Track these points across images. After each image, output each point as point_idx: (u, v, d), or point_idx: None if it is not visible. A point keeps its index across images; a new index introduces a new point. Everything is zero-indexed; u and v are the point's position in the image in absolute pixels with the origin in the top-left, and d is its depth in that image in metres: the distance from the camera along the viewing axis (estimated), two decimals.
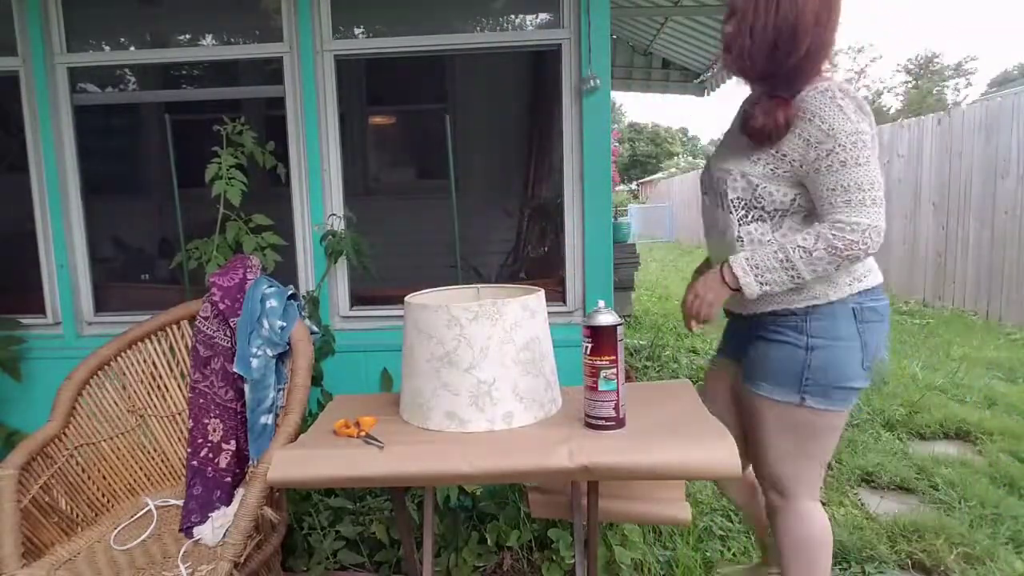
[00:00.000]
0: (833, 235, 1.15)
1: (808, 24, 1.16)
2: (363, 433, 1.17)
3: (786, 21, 1.16)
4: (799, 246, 1.17)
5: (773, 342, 1.27)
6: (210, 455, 1.63)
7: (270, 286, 1.66)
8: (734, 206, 1.27)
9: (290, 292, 1.68)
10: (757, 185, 1.23)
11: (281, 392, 1.59)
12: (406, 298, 1.27)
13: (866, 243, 1.15)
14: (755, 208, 1.25)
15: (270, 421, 1.55)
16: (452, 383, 1.14)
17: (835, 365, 1.22)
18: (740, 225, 1.27)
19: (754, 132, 1.21)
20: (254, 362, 1.56)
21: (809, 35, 1.16)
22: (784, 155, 1.20)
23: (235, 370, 1.56)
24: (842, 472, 2.48)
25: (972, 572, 1.83)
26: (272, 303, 1.62)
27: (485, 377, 1.13)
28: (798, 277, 1.19)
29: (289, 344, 1.60)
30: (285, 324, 1.61)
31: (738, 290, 1.22)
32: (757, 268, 1.19)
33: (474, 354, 1.13)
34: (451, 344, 1.13)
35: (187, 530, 1.52)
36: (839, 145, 1.15)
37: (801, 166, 1.19)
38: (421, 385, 1.18)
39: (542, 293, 1.24)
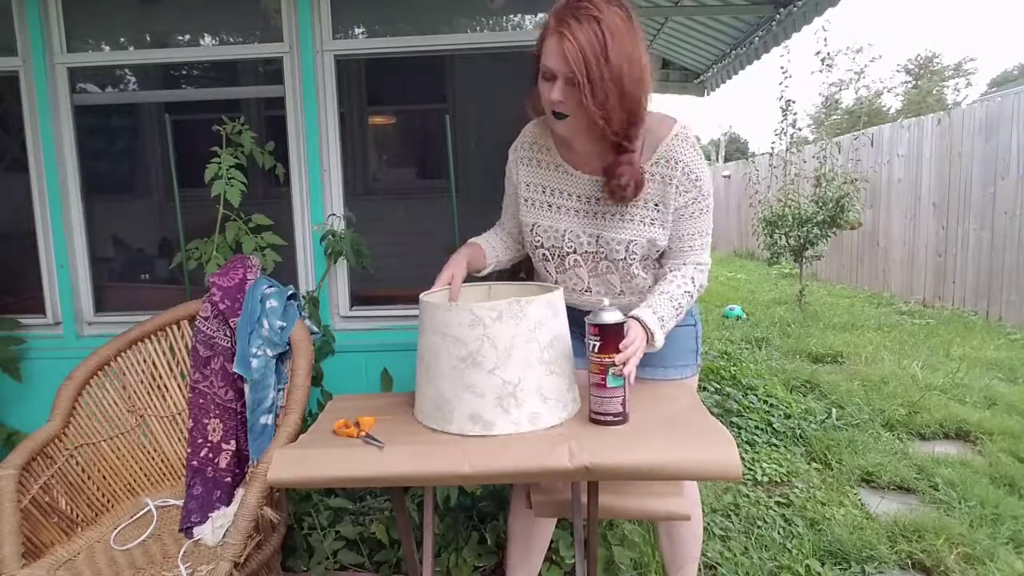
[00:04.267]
0: (700, 275, 1.31)
1: (635, 75, 1.13)
2: (363, 433, 1.17)
3: (621, 72, 1.11)
4: (686, 291, 1.28)
5: (680, 327, 1.35)
6: (210, 455, 1.63)
7: (270, 286, 1.66)
8: (641, 266, 1.32)
9: (290, 292, 1.68)
10: (661, 246, 1.30)
11: (281, 392, 1.59)
12: (421, 296, 1.24)
13: (707, 278, 1.34)
14: (651, 258, 1.33)
15: (270, 421, 1.55)
16: (476, 384, 1.11)
17: (701, 334, 1.47)
18: (643, 276, 1.33)
19: (630, 196, 1.22)
20: (254, 362, 1.56)
21: (645, 79, 1.14)
22: (667, 205, 1.25)
23: (235, 370, 1.56)
24: (842, 472, 2.48)
25: (972, 572, 1.83)
26: (272, 303, 1.62)
27: (510, 377, 1.11)
28: (679, 318, 1.29)
29: (289, 344, 1.60)
30: (285, 324, 1.61)
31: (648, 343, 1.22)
32: (662, 320, 1.23)
33: (498, 354, 1.10)
34: (474, 345, 1.11)
35: (187, 530, 1.52)
36: (701, 193, 1.26)
37: (674, 212, 1.27)
38: (442, 387, 1.15)
39: (561, 291, 1.23)
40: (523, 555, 1.56)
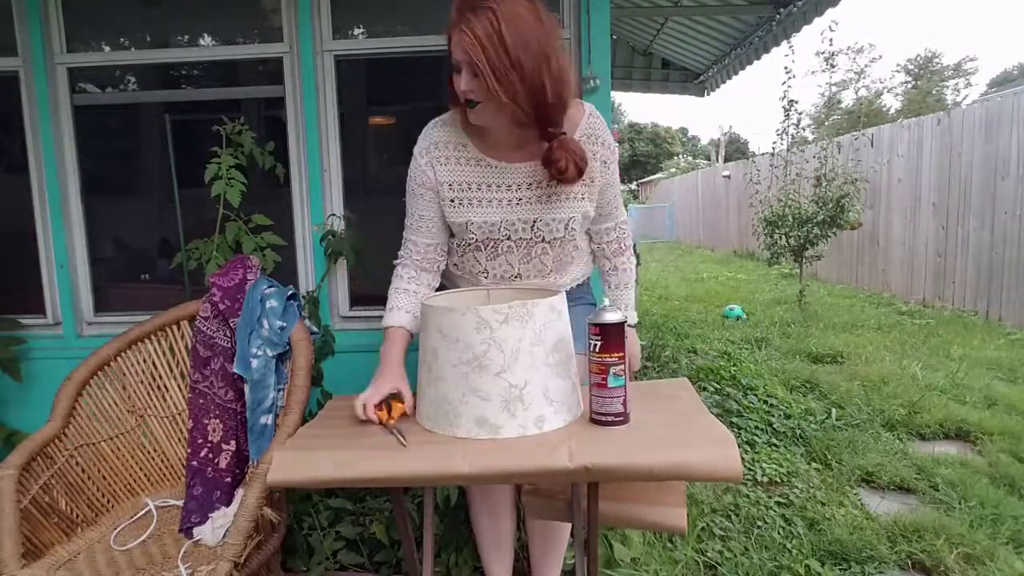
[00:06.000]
0: (627, 234, 1.48)
1: (545, 51, 1.15)
2: (391, 420, 1.17)
3: (521, 57, 1.13)
4: (633, 270, 1.48)
5: (583, 305, 1.47)
6: (210, 455, 1.63)
7: (270, 286, 1.66)
8: (578, 243, 1.42)
9: (290, 292, 1.68)
10: (591, 216, 1.38)
11: (281, 392, 1.59)
12: (424, 301, 1.24)
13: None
14: (582, 233, 1.43)
15: (270, 422, 1.55)
16: (482, 388, 1.11)
17: None
18: (577, 254, 1.44)
19: (573, 177, 1.26)
20: (254, 362, 1.56)
21: (547, 61, 1.16)
22: (595, 180, 1.34)
23: (235, 370, 1.56)
24: (842, 472, 2.48)
25: (972, 572, 1.83)
26: (272, 303, 1.62)
27: (516, 381, 1.10)
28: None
29: (289, 344, 1.60)
30: (285, 324, 1.61)
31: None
32: (631, 308, 1.47)
33: (505, 357, 1.10)
34: (480, 348, 1.10)
35: (187, 530, 1.52)
36: (616, 160, 1.39)
37: (600, 184, 1.36)
38: (447, 392, 1.14)
39: (563, 294, 1.23)
40: (495, 549, 1.58)
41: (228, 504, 1.55)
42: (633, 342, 1.35)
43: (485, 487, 1.53)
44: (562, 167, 1.23)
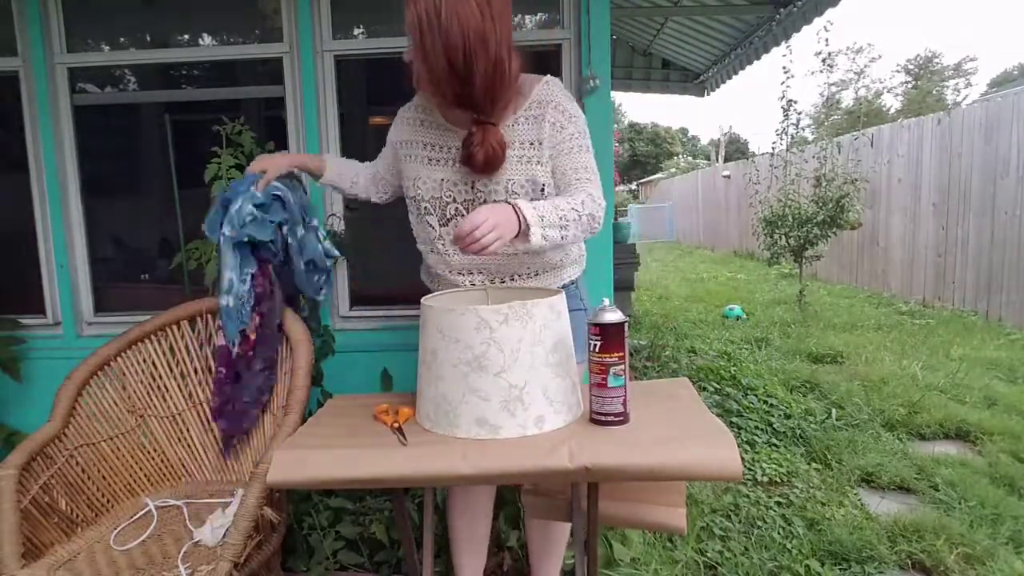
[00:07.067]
0: (591, 202, 1.27)
1: (475, 43, 1.14)
2: (396, 424, 1.19)
3: (455, 44, 1.13)
4: (573, 208, 1.23)
5: (573, 311, 1.31)
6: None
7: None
8: None
9: (276, 191, 1.54)
10: (542, 183, 1.32)
11: (244, 283, 1.53)
12: (423, 300, 1.24)
13: (602, 217, 1.31)
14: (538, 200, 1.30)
15: (230, 303, 1.51)
16: (482, 388, 1.11)
17: None
18: None
19: (480, 166, 1.26)
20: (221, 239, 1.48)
21: (484, 53, 1.15)
22: (541, 142, 1.30)
23: (204, 230, 1.52)
24: (842, 472, 2.48)
25: (972, 572, 1.83)
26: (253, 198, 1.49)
27: (516, 381, 1.11)
28: (565, 238, 1.24)
29: (264, 246, 1.53)
30: (256, 215, 1.49)
31: (519, 236, 1.18)
32: (543, 219, 1.19)
33: (505, 358, 1.10)
34: (480, 348, 1.10)
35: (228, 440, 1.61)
36: (578, 130, 1.33)
37: (551, 148, 1.31)
38: (447, 391, 1.14)
39: (563, 295, 1.23)
40: (468, 549, 1.59)
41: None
42: (502, 217, 1.14)
43: (467, 489, 1.54)
44: (472, 153, 1.25)
